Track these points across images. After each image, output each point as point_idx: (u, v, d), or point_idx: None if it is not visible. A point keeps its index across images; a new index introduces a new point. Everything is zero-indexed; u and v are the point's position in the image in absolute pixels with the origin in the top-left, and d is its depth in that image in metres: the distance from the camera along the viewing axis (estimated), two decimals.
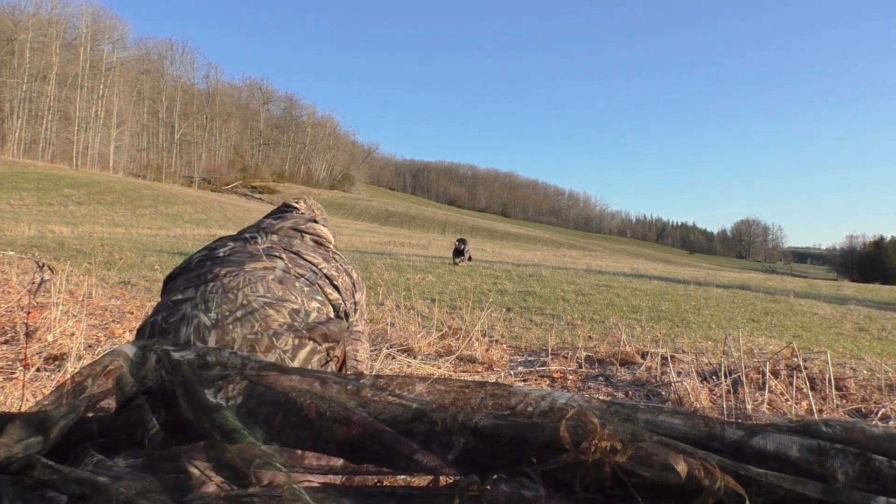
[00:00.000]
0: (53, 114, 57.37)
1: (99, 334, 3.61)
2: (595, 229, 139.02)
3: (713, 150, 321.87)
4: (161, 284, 1.61)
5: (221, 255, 1.43)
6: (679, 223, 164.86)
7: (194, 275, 1.38)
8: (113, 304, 4.93)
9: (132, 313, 4.50)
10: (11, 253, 4.70)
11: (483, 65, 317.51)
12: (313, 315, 1.34)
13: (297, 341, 1.25)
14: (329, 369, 1.33)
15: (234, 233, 1.65)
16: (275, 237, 1.54)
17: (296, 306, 1.32)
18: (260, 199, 65.61)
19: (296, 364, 1.23)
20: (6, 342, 3.16)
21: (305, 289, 1.39)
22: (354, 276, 1.60)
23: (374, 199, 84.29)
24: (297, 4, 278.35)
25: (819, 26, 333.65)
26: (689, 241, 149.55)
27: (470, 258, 13.07)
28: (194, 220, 32.02)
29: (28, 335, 3.00)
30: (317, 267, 1.48)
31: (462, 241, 13.32)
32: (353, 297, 1.56)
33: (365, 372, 1.64)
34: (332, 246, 1.68)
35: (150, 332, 1.28)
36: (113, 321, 4.09)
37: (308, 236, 1.61)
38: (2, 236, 13.24)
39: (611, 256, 42.20)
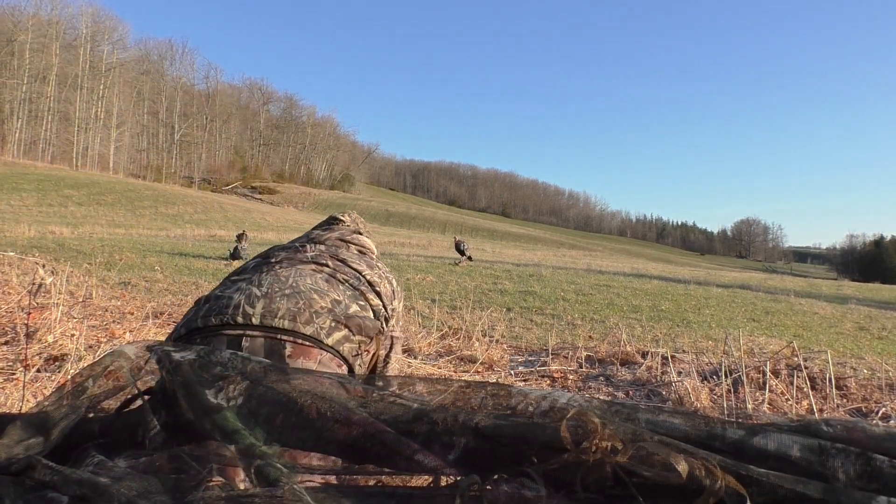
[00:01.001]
0: (53, 114, 57.39)
1: (99, 335, 3.61)
2: (595, 229, 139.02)
3: (713, 149, 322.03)
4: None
5: (274, 260, 1.56)
6: (679, 223, 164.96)
7: (252, 270, 1.54)
8: (113, 304, 4.93)
9: (132, 314, 4.50)
10: (12, 254, 4.71)
11: (483, 65, 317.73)
12: (352, 310, 1.45)
13: (333, 324, 1.36)
14: (359, 363, 1.41)
15: (285, 242, 1.79)
16: (322, 247, 1.66)
17: (338, 298, 1.44)
18: (260, 199, 65.61)
19: (330, 343, 1.33)
20: (7, 343, 3.16)
21: (349, 292, 1.50)
22: (394, 284, 1.72)
23: (375, 199, 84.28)
24: (297, 4, 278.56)
25: (819, 26, 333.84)
26: (689, 240, 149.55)
27: (470, 258, 13.08)
28: (194, 220, 32.02)
29: (28, 336, 3.00)
30: (360, 273, 1.58)
31: (461, 241, 13.42)
32: (392, 303, 1.66)
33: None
34: (374, 255, 1.81)
35: (206, 298, 1.41)
36: (113, 322, 4.09)
37: (353, 246, 1.74)
38: (2, 237, 13.25)
39: (611, 256, 42.20)
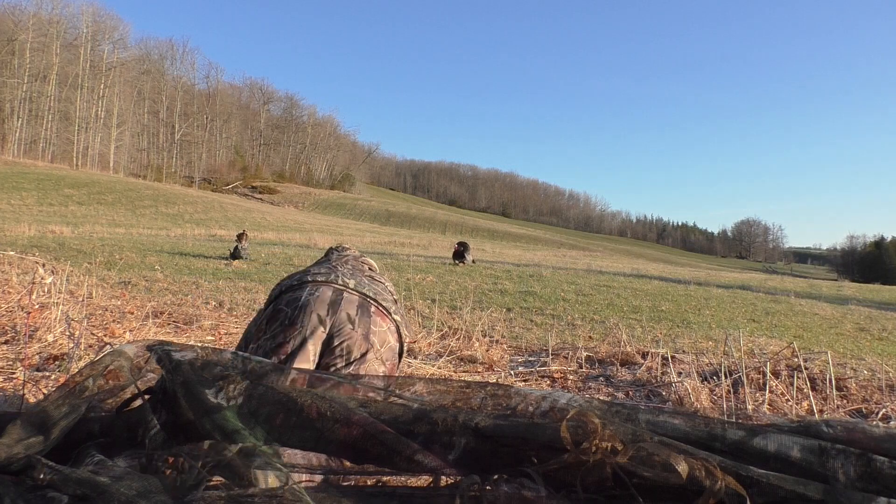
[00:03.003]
0: (54, 114, 57.38)
1: (99, 334, 3.61)
2: (595, 229, 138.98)
3: (714, 150, 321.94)
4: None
5: (315, 280, 1.91)
6: (679, 223, 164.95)
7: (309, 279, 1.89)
8: (113, 304, 4.93)
9: (132, 313, 4.50)
10: (12, 253, 4.70)
11: (483, 65, 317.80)
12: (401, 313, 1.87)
13: (396, 308, 1.80)
14: (395, 353, 1.75)
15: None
16: (349, 267, 2.03)
17: (395, 298, 1.89)
18: (260, 199, 65.58)
19: (396, 318, 1.75)
20: (6, 342, 3.17)
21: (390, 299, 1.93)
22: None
23: (375, 199, 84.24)
24: (299, 4, 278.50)
25: (819, 26, 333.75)
26: (690, 241, 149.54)
27: (474, 261, 13.02)
28: (195, 220, 32.02)
29: (28, 335, 3.01)
30: (384, 286, 1.98)
31: (463, 244, 13.22)
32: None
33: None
34: (377, 271, 2.27)
35: (284, 280, 1.82)
36: (113, 321, 4.09)
37: (366, 266, 2.17)
38: (2, 236, 13.26)
39: (611, 256, 42.19)
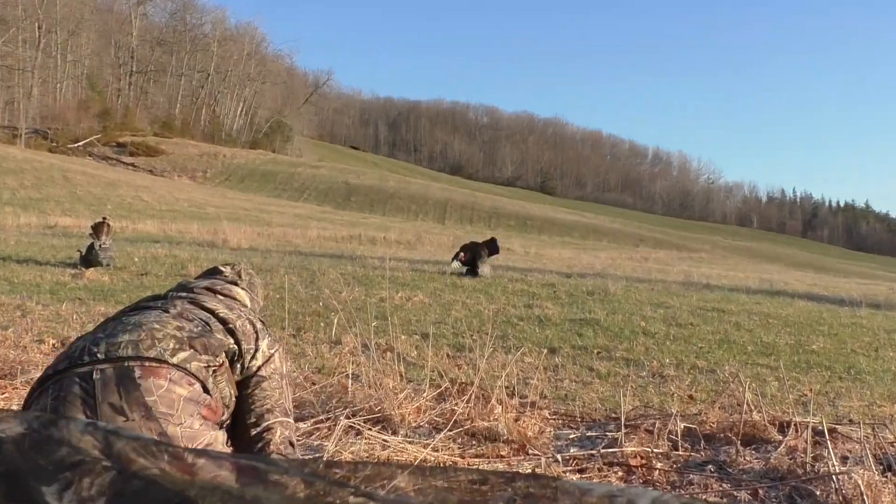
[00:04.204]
0: None
1: None
2: (697, 215, 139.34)
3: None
4: None
5: (128, 310, 2.45)
6: (842, 203, 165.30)
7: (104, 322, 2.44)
8: None
9: None
10: None
11: None
12: (195, 334, 2.28)
13: (177, 345, 2.16)
14: (212, 383, 2.19)
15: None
16: (184, 293, 2.54)
17: (181, 325, 2.28)
18: (132, 164, 65.76)
19: (175, 361, 2.10)
20: None
21: (196, 328, 2.32)
22: (259, 325, 2.57)
23: (326, 164, 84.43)
24: None
25: None
26: (860, 233, 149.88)
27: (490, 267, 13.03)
28: (19, 200, 32.09)
29: None
30: (214, 312, 2.44)
31: (475, 243, 13.14)
32: (255, 343, 2.47)
33: (272, 420, 2.44)
34: (243, 306, 2.69)
35: (58, 355, 2.22)
36: None
37: (220, 295, 2.60)
38: None
39: (725, 260, 42.30)
